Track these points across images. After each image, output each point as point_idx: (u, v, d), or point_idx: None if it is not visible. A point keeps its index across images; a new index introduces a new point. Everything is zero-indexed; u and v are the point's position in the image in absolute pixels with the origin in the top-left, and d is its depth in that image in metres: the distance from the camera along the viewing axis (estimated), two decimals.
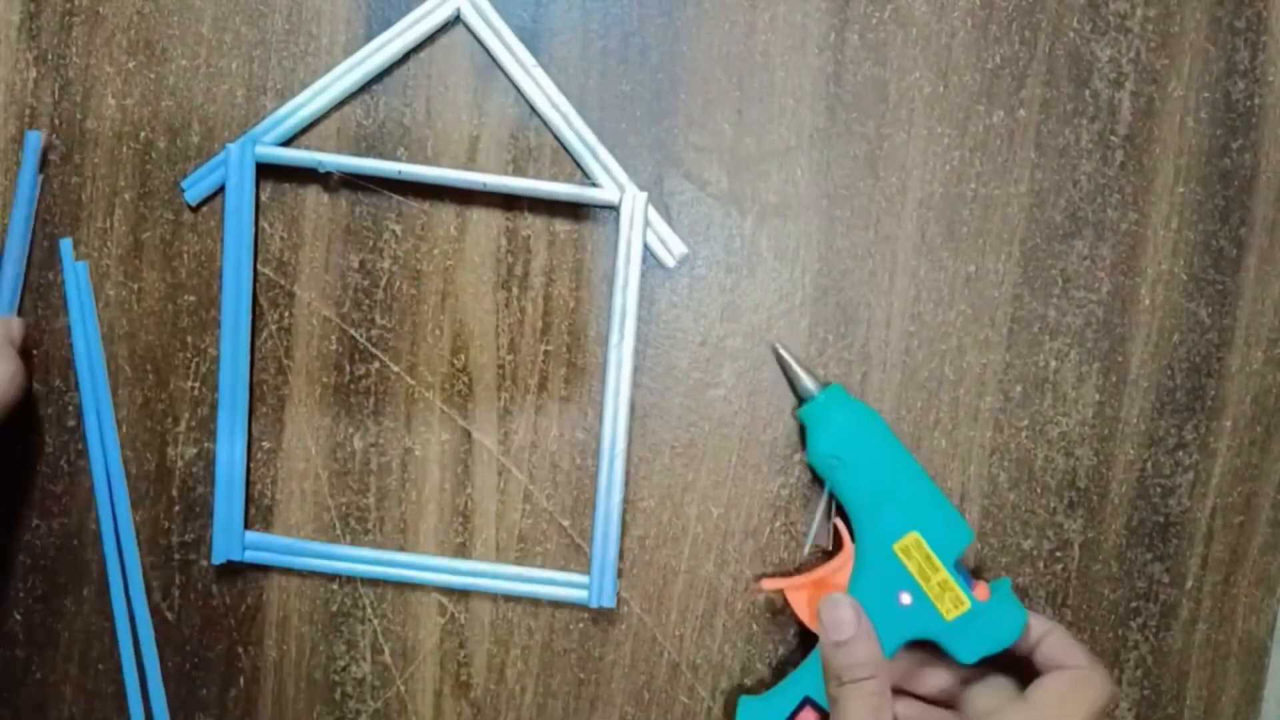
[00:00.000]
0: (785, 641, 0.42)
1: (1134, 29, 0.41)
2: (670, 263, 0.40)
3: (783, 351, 0.40)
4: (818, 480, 0.40)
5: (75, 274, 0.40)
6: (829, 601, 0.37)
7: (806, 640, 0.41)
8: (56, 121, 0.40)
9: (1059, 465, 0.42)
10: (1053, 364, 0.41)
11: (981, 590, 0.38)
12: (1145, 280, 0.41)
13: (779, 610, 0.42)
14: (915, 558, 0.38)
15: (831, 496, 0.39)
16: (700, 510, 0.41)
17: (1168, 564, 0.42)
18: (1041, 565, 0.42)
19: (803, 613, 0.39)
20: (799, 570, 0.41)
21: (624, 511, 0.41)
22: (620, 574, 0.41)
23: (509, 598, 0.41)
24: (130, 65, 0.40)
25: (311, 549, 0.41)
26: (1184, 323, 0.42)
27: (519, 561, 0.41)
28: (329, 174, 0.39)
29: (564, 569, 0.41)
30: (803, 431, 0.40)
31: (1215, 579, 0.43)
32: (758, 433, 0.41)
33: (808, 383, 0.40)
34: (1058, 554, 0.42)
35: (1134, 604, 0.43)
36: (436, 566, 0.41)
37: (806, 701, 0.38)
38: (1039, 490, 0.42)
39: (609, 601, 0.40)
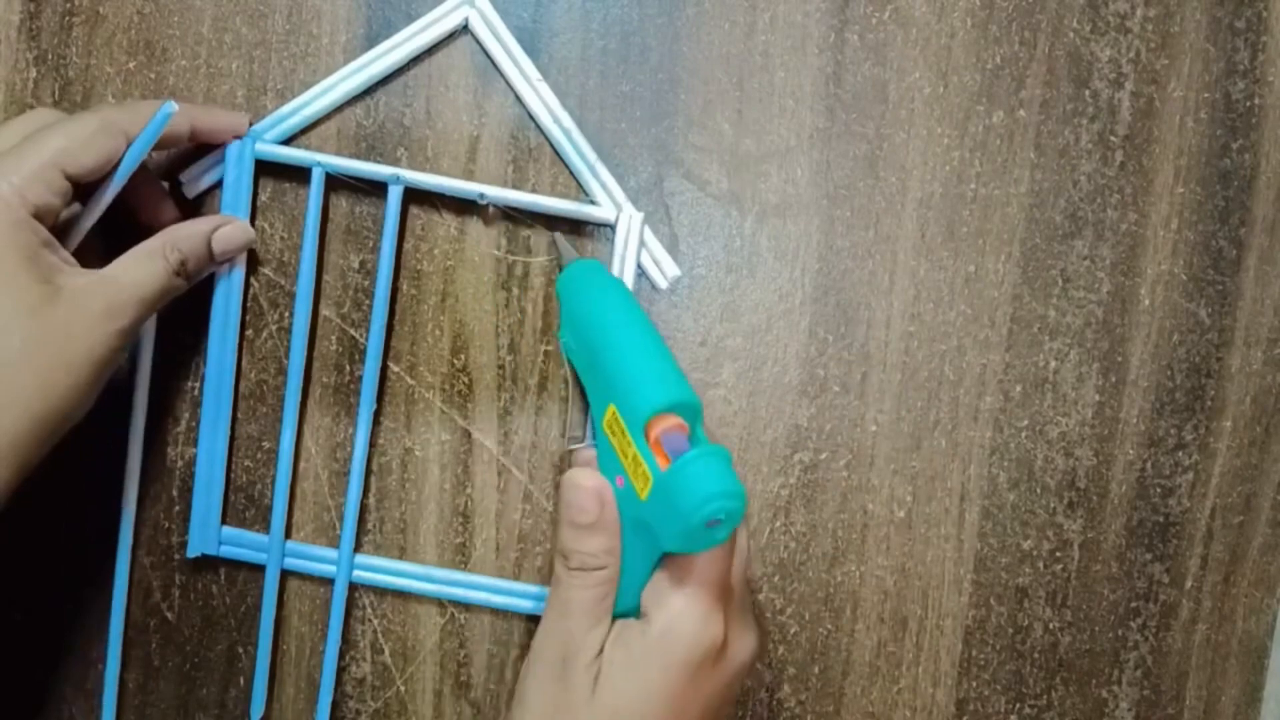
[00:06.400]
0: (785, 641, 0.42)
1: (1134, 29, 0.41)
2: (663, 284, 0.40)
3: (559, 236, 0.38)
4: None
5: None
6: (572, 480, 0.33)
7: None
8: None
9: (1059, 465, 0.42)
10: (1053, 364, 0.42)
11: (662, 457, 0.30)
12: (1145, 280, 0.41)
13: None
14: (617, 434, 0.32)
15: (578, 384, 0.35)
16: None
17: (1168, 564, 0.43)
18: (1041, 565, 0.42)
19: None
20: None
21: None
22: None
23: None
24: (130, 65, 0.40)
25: (289, 548, 0.41)
26: (1184, 323, 0.42)
27: (519, 561, 0.41)
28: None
29: None
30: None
31: (1215, 579, 0.43)
32: (758, 433, 0.41)
33: (565, 254, 0.36)
34: (1058, 554, 0.42)
35: (1134, 604, 0.43)
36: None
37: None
38: (1039, 490, 0.42)
39: None
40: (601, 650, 0.32)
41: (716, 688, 0.32)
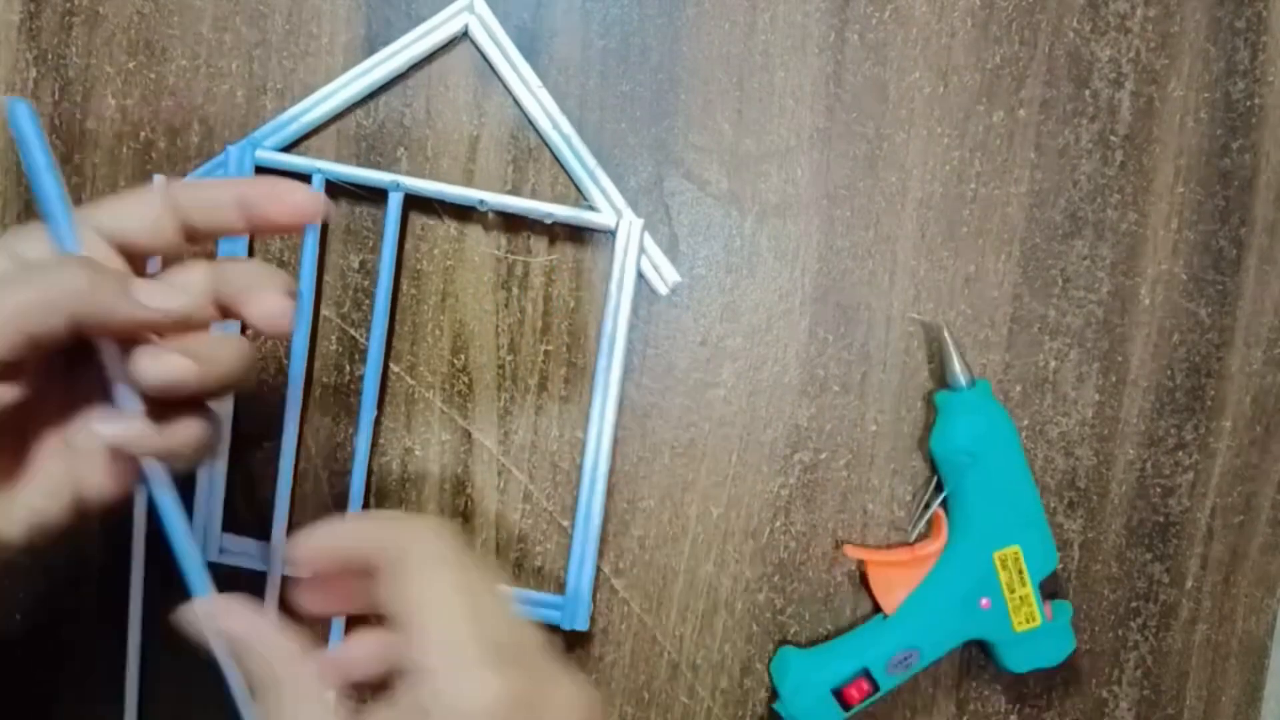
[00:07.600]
0: (786, 642, 0.42)
1: (1134, 29, 0.41)
2: (663, 291, 0.40)
3: (947, 335, 0.39)
4: (929, 465, 0.41)
5: None
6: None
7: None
8: (56, 122, 0.40)
9: (1059, 465, 0.42)
10: (1053, 364, 0.41)
11: (1048, 610, 0.40)
12: (1145, 280, 0.41)
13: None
14: (1010, 569, 0.39)
15: (940, 488, 0.40)
16: (700, 510, 0.41)
17: (1168, 564, 0.43)
18: None
19: (877, 588, 0.40)
20: (885, 547, 0.42)
21: (624, 511, 0.41)
22: (619, 573, 0.41)
23: None
24: (130, 65, 0.40)
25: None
26: (1184, 323, 0.42)
27: (519, 562, 0.41)
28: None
29: (562, 570, 0.41)
30: (932, 415, 0.41)
31: (1215, 579, 0.43)
32: (758, 433, 0.41)
33: (959, 372, 0.39)
34: (1058, 554, 0.42)
35: (1134, 604, 0.43)
36: None
37: (864, 672, 0.39)
38: (1039, 490, 0.42)
39: (582, 625, 0.40)
40: None
41: None
